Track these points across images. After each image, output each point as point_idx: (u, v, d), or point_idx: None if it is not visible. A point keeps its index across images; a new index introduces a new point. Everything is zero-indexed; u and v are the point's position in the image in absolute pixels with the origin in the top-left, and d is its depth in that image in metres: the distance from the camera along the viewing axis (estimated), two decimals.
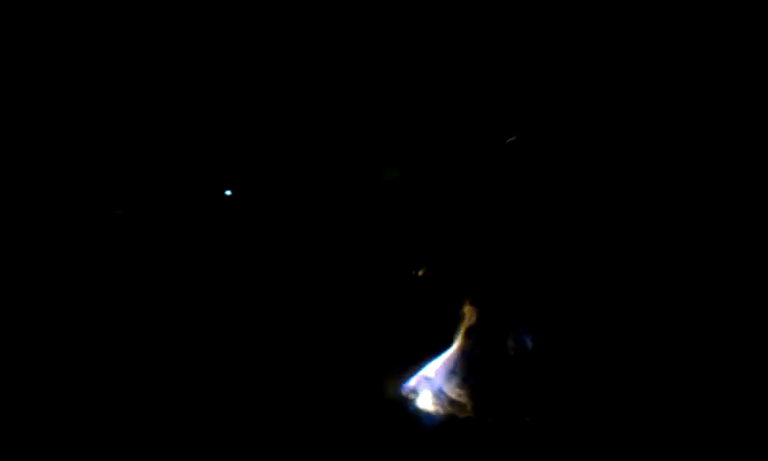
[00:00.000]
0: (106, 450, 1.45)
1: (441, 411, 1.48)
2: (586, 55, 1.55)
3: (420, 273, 1.54)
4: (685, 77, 1.53)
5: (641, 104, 1.54)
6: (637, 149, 1.54)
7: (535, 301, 1.52)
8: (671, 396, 1.44)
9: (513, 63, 1.55)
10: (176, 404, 1.49)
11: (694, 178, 1.52)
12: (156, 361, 1.52)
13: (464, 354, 1.50)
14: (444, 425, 1.47)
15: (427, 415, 1.47)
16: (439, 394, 1.48)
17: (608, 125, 1.54)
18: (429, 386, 1.49)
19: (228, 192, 1.59)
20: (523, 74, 1.56)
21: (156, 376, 1.51)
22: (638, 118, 1.54)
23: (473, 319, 1.51)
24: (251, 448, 1.46)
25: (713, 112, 1.52)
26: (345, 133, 1.59)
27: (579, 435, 1.44)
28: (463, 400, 1.48)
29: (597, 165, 1.55)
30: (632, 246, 1.52)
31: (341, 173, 1.59)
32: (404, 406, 1.48)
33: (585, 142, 1.55)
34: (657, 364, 1.47)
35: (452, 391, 1.48)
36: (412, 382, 1.49)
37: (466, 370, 1.49)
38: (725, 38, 1.51)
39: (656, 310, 1.49)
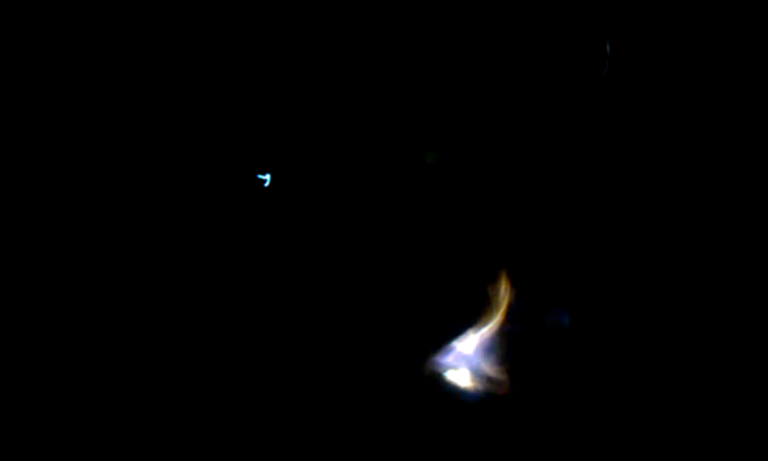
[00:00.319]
0: (105, 450, 1.44)
1: (478, 388, 1.49)
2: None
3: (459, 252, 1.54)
4: (686, 77, 1.55)
5: (641, 104, 1.55)
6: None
7: (572, 280, 1.54)
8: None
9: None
10: (175, 400, 1.47)
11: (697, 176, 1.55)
12: (154, 359, 1.49)
13: (501, 332, 1.51)
14: (482, 402, 1.49)
15: (464, 391, 1.49)
16: (476, 371, 1.50)
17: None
18: (467, 363, 1.50)
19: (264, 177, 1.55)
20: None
21: (153, 374, 1.49)
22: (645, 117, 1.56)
23: (511, 297, 1.52)
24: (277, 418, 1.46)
25: (713, 112, 1.54)
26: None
27: (610, 416, 1.49)
28: (500, 376, 1.50)
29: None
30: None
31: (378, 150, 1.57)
32: (441, 383, 1.49)
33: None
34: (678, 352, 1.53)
35: (490, 368, 1.50)
36: (449, 359, 1.50)
37: (503, 347, 1.50)
38: (725, 38, 1.53)
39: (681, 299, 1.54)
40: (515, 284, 1.53)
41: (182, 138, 1.55)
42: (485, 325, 1.52)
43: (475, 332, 1.52)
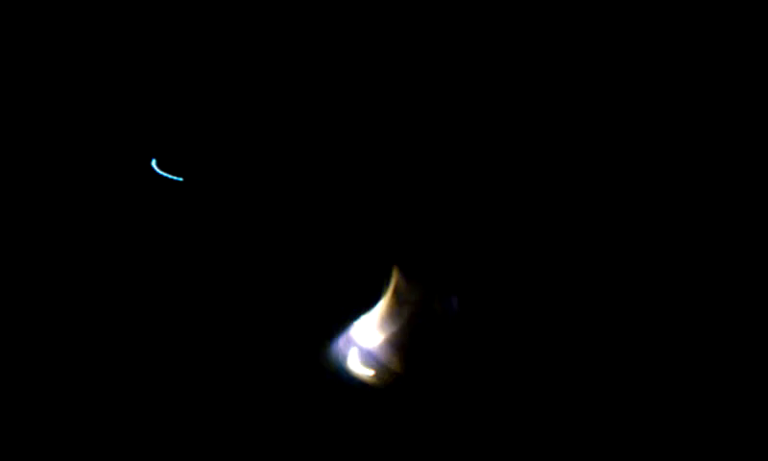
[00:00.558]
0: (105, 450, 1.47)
1: (368, 370, 1.49)
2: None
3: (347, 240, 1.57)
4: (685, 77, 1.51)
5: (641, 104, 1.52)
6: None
7: (461, 262, 1.51)
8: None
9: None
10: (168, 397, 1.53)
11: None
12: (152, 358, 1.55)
13: (390, 315, 1.50)
14: (372, 384, 1.48)
15: (354, 374, 1.49)
16: (366, 354, 1.50)
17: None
18: (356, 347, 1.50)
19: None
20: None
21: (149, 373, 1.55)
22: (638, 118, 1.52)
23: (399, 281, 1.52)
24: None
25: (713, 112, 1.50)
26: None
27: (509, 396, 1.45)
28: (389, 359, 1.49)
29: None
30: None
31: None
32: (331, 366, 1.50)
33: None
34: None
35: (379, 351, 1.49)
36: (339, 343, 1.51)
37: (392, 330, 1.50)
38: (725, 38, 1.49)
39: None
40: (402, 269, 1.52)
41: (180, 138, 1.69)
42: (376, 310, 1.52)
43: (367, 318, 1.53)
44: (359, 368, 1.50)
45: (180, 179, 1.60)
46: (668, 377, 1.44)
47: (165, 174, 1.59)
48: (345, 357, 1.51)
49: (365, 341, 1.51)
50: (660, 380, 1.43)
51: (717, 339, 1.45)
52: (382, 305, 1.52)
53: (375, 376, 1.49)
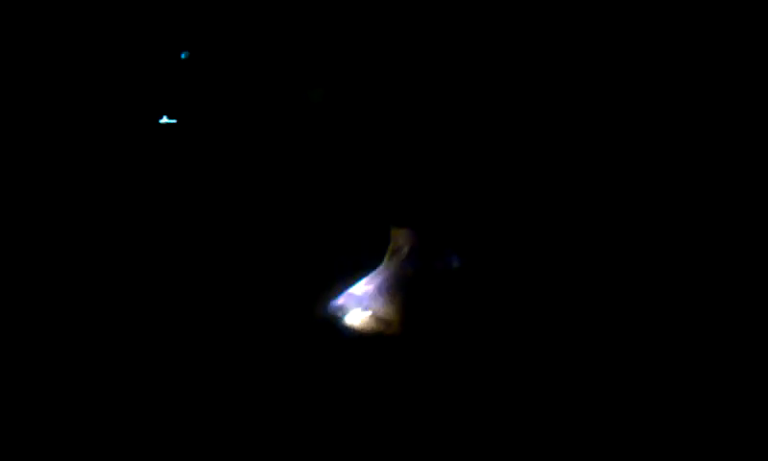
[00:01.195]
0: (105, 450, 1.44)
1: (368, 328, 1.53)
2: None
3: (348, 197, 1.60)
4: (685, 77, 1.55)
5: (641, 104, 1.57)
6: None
7: (462, 223, 1.57)
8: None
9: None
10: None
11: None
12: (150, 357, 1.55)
13: (391, 274, 1.55)
14: (371, 341, 1.52)
15: (354, 331, 1.53)
16: (366, 311, 1.54)
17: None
18: (357, 304, 1.54)
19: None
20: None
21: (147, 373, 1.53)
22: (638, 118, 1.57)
23: (401, 240, 1.56)
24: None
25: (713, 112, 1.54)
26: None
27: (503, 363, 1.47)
28: (390, 317, 1.52)
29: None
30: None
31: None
32: (332, 324, 1.54)
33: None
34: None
35: (379, 308, 1.53)
36: (340, 300, 1.54)
37: (393, 288, 1.54)
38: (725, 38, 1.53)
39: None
40: (405, 227, 1.57)
41: (177, 138, 1.68)
42: (376, 266, 1.57)
43: (367, 275, 1.57)
44: (357, 320, 1.53)
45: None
46: (667, 374, 1.43)
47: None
48: (343, 310, 1.54)
49: (364, 294, 1.55)
50: (659, 376, 1.42)
51: (717, 336, 1.46)
52: (384, 264, 1.56)
53: (373, 327, 1.53)
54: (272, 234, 1.63)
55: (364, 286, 1.55)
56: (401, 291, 1.54)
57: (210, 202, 1.65)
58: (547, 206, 1.56)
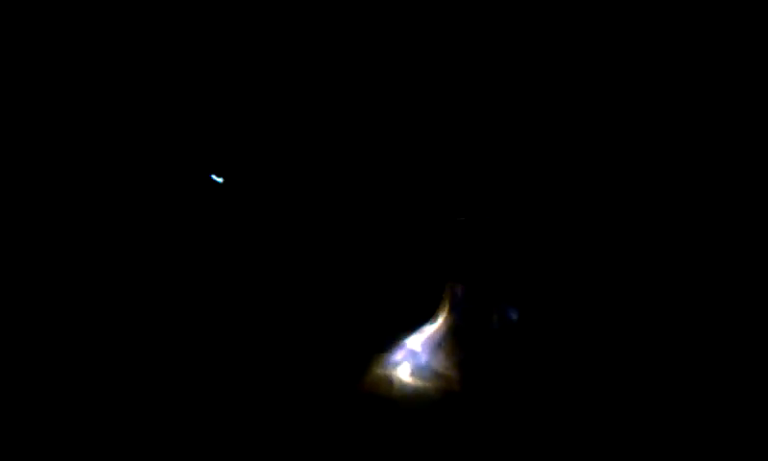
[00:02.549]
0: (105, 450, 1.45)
1: (426, 384, 1.48)
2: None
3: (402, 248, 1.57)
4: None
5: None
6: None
7: (520, 276, 1.54)
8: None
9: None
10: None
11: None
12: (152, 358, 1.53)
13: (448, 328, 1.50)
14: (430, 398, 1.47)
15: (412, 388, 1.48)
16: (424, 367, 1.49)
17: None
18: (414, 359, 1.49)
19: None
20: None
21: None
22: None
23: (457, 293, 1.52)
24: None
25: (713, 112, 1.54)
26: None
27: (564, 412, 1.44)
28: (448, 372, 1.48)
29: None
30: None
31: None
32: (389, 380, 1.48)
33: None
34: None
35: (437, 364, 1.49)
36: (397, 356, 1.50)
37: (450, 343, 1.50)
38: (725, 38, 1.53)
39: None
40: (460, 281, 1.53)
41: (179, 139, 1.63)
42: (433, 321, 1.53)
43: (424, 328, 1.52)
44: (416, 378, 1.49)
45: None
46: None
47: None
48: (397, 364, 1.49)
49: (422, 352, 1.50)
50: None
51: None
52: (440, 318, 1.52)
53: (430, 383, 1.48)
54: (322, 283, 1.58)
55: (421, 341, 1.50)
56: (460, 345, 1.49)
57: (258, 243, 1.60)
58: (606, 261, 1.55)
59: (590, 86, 1.56)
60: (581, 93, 1.56)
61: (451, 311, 1.52)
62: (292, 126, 1.62)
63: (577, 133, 1.58)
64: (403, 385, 1.48)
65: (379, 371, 1.49)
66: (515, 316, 1.50)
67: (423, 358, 1.50)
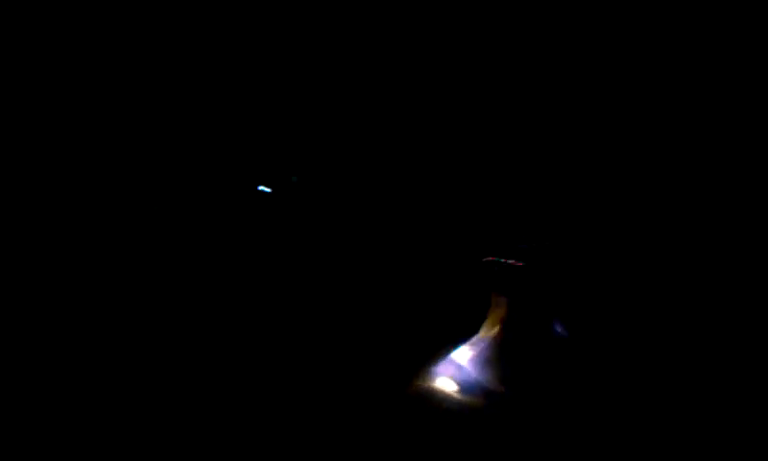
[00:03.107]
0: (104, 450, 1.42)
1: (472, 398, 1.47)
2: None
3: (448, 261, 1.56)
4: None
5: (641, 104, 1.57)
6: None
7: (566, 289, 1.53)
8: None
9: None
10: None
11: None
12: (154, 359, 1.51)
13: (494, 341, 1.50)
14: (475, 412, 1.46)
15: (458, 402, 1.46)
16: (469, 380, 1.48)
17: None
18: (460, 373, 1.48)
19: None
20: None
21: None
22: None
23: (502, 306, 1.52)
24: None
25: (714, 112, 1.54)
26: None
27: (608, 424, 1.44)
28: (494, 386, 1.47)
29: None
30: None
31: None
32: (434, 394, 1.47)
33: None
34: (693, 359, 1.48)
35: (483, 378, 1.48)
36: (442, 369, 1.48)
37: (496, 357, 1.49)
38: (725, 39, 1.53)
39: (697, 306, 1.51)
40: (505, 294, 1.52)
41: (182, 141, 1.60)
42: (480, 334, 1.52)
43: (471, 342, 1.51)
44: (461, 392, 1.47)
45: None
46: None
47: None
48: (443, 378, 1.48)
49: (468, 366, 1.49)
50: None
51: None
52: (485, 331, 1.51)
53: (476, 397, 1.47)
54: (370, 294, 1.56)
55: (466, 355, 1.49)
56: (506, 359, 1.48)
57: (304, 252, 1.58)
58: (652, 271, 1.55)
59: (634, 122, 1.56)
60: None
61: (496, 324, 1.51)
62: (352, 138, 1.61)
63: (619, 162, 1.59)
64: (448, 399, 1.47)
65: (425, 384, 1.48)
66: (562, 331, 1.50)
67: (469, 371, 1.48)
